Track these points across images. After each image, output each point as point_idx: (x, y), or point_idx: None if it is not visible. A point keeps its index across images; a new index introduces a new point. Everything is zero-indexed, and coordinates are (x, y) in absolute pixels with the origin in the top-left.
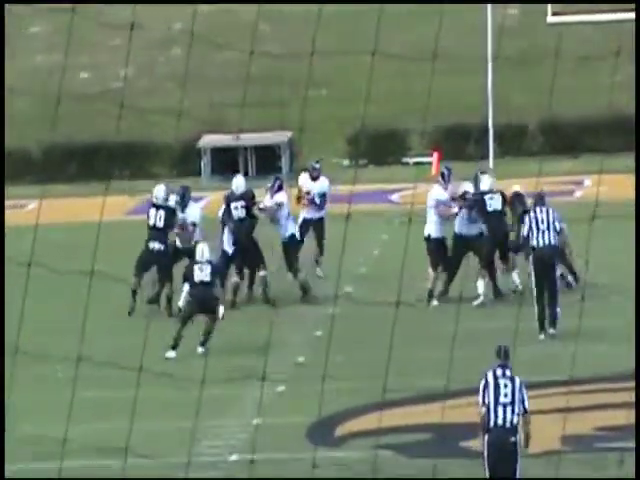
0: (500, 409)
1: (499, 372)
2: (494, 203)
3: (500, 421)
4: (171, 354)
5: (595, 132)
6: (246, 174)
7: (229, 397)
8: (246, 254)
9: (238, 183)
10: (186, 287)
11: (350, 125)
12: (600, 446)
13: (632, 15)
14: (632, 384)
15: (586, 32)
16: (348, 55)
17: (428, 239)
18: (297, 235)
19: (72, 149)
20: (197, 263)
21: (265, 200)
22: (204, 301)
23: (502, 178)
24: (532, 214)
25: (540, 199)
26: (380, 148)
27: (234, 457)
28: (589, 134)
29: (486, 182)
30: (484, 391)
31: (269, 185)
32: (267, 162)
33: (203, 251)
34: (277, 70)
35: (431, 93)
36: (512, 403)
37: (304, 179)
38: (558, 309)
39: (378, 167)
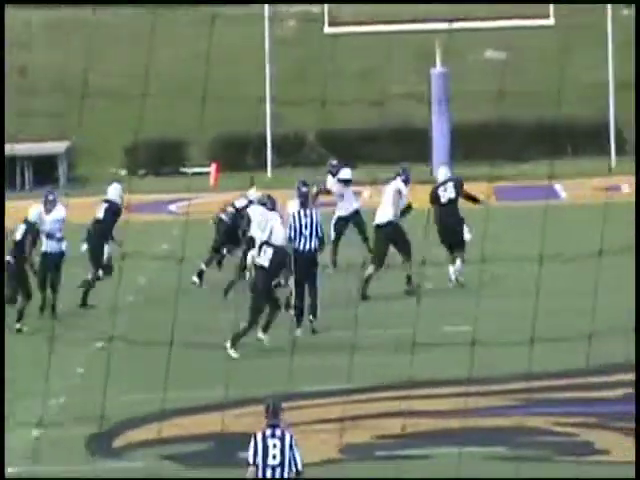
0: (269, 472)
1: (268, 432)
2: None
3: None
4: (233, 354)
5: (373, 142)
6: (22, 186)
7: (9, 408)
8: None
9: None
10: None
11: (128, 135)
12: (381, 454)
13: (413, 26)
14: (407, 392)
15: (366, 42)
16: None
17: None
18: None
19: None
20: (266, 244)
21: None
22: (258, 288)
23: (279, 188)
24: (296, 217)
25: (304, 201)
26: (158, 158)
27: (12, 469)
28: (367, 144)
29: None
30: (254, 452)
31: (45, 198)
32: (44, 173)
33: (277, 233)
34: (59, 79)
35: (211, 103)
36: (281, 464)
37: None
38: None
39: (156, 177)
